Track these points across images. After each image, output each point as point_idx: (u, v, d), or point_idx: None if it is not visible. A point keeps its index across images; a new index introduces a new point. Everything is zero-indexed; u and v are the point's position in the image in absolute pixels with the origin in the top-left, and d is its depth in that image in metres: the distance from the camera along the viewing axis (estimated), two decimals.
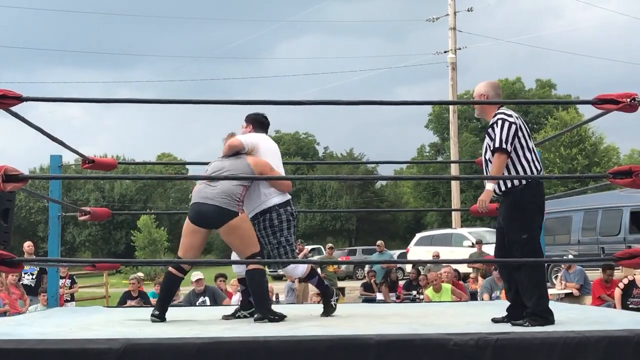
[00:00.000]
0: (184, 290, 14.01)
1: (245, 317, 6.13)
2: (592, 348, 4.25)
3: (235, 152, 6.04)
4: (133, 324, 5.58)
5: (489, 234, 24.72)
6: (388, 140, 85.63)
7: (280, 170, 6.20)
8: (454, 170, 29.71)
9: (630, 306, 10.53)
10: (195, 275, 11.25)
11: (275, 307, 6.06)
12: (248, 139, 6.09)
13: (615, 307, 10.90)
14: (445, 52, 29.08)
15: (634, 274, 11.23)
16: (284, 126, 66.30)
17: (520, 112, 48.49)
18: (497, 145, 5.12)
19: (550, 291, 12.60)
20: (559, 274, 15.41)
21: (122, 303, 12.58)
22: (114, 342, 4.15)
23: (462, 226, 28.00)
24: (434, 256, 19.24)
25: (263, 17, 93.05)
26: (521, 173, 5.16)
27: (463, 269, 18.15)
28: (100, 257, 47.54)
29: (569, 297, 13.75)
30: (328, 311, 6.18)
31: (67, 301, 12.81)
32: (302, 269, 6.26)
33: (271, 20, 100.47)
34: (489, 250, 19.75)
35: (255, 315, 5.77)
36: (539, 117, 47.65)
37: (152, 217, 45.38)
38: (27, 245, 12.71)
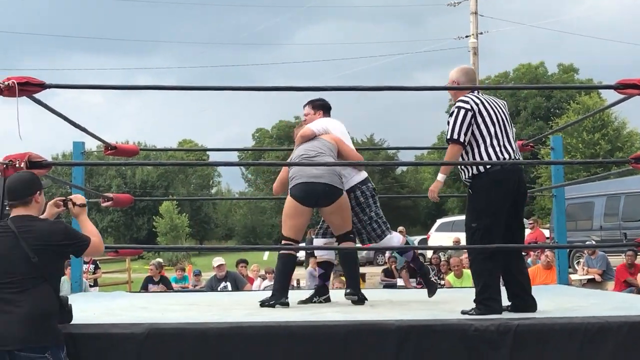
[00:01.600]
0: (206, 276, 14.10)
1: (320, 302, 6.17)
2: (613, 334, 4.25)
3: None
4: (156, 309, 5.63)
5: None
6: (409, 126, 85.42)
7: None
8: None
9: None
10: (217, 260, 11.31)
11: (296, 293, 6.11)
12: (318, 125, 6.26)
13: (638, 292, 10.85)
14: (466, 36, 28.91)
15: None
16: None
17: (543, 97, 48.22)
18: (448, 136, 5.04)
19: (572, 277, 12.59)
20: (582, 260, 15.35)
21: (143, 288, 12.69)
22: (138, 327, 4.21)
23: None
24: (454, 242, 19.23)
25: (282, 3, 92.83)
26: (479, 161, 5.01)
27: None
28: (123, 243, 47.77)
29: (591, 283, 13.70)
30: (432, 289, 6.21)
31: (90, 286, 12.92)
32: (397, 240, 6.36)
33: (290, 6, 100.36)
34: None
35: (349, 290, 5.88)
36: (561, 101, 47.12)
37: (173, 203, 45.55)
38: None
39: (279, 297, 5.82)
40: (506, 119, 5.13)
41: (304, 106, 6.56)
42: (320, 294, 6.27)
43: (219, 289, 10.83)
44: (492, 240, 4.90)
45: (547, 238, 17.33)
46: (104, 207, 8.00)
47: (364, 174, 6.28)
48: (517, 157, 5.11)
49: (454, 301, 6.01)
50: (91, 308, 5.71)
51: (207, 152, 51.58)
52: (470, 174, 5.04)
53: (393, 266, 15.82)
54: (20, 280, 3.82)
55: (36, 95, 4.80)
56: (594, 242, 17.48)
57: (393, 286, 14.19)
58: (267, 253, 36.58)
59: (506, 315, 4.65)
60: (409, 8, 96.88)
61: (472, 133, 5.00)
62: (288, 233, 5.97)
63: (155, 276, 12.82)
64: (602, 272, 14.02)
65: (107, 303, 6.29)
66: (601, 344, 4.24)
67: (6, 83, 4.48)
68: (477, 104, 5.02)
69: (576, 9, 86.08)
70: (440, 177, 5.16)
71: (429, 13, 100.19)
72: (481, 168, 4.97)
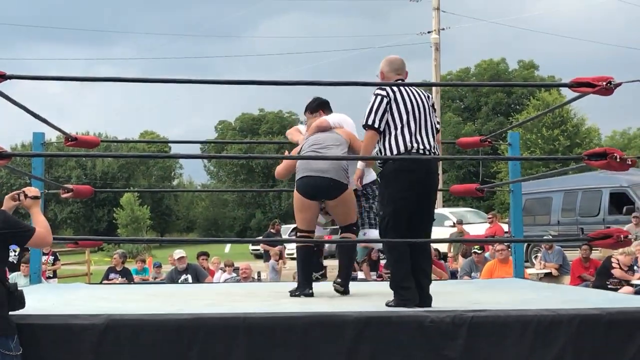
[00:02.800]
0: (166, 268, 14.07)
1: (317, 279, 6.36)
2: (564, 326, 4.36)
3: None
4: (115, 300, 5.64)
5: (470, 214, 24.86)
6: None
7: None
8: None
9: (609, 286, 10.67)
10: (178, 253, 11.29)
11: (257, 286, 6.16)
12: (334, 119, 6.34)
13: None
14: (428, 32, 29.05)
15: (612, 254, 11.37)
16: (268, 105, 66.21)
17: (504, 93, 48.67)
18: (363, 122, 5.09)
19: (529, 271, 12.75)
20: (539, 254, 15.57)
21: (105, 277, 12.69)
22: (97, 318, 4.22)
23: (443, 206, 28.15)
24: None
25: None
26: (388, 150, 5.03)
27: (443, 248, 18.29)
28: (82, 234, 47.33)
29: (548, 277, 13.90)
30: None
31: (49, 278, 12.84)
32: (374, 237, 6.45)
33: None
34: (470, 229, 19.88)
35: (340, 288, 5.96)
36: (521, 97, 47.62)
37: (134, 195, 45.24)
38: None
39: (302, 289, 5.97)
40: (425, 110, 5.12)
41: (304, 112, 6.60)
42: (316, 270, 6.42)
43: (179, 281, 10.82)
44: (397, 229, 4.95)
45: (506, 232, 17.54)
46: (64, 199, 7.95)
47: (374, 175, 6.33)
48: (429, 148, 5.08)
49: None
50: (50, 299, 5.70)
51: (169, 144, 51.51)
52: (380, 162, 5.09)
53: None
54: None
55: None
56: (551, 237, 17.72)
57: (354, 279, 14.22)
58: (228, 245, 36.44)
59: (462, 307, 4.73)
60: (371, 3, 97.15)
61: (386, 120, 5.03)
62: (301, 225, 6.13)
63: (118, 266, 12.82)
64: (559, 267, 14.24)
65: (66, 294, 6.29)
66: (553, 335, 4.34)
67: None
68: (393, 92, 5.05)
69: (537, 7, 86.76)
70: (360, 164, 5.32)
71: (392, 8, 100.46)
72: (389, 155, 5.02)
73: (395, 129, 5.02)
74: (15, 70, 4.78)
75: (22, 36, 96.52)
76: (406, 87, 5.13)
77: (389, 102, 5.02)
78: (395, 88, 5.08)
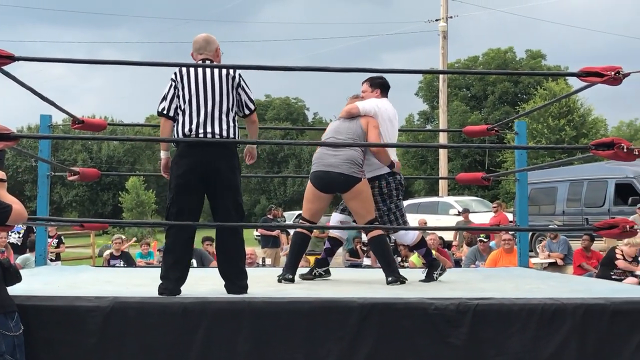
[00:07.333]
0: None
1: (320, 275, 6.27)
2: (569, 315, 4.36)
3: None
4: (120, 283, 5.66)
5: (475, 203, 24.84)
6: None
7: (391, 138, 6.32)
8: (443, 138, 29.70)
9: (613, 277, 10.67)
10: None
11: (262, 271, 6.16)
12: (369, 106, 6.23)
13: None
14: (436, 20, 28.95)
15: (617, 245, 11.38)
16: (274, 91, 66.15)
17: (511, 82, 48.55)
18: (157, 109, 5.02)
19: (533, 260, 12.79)
20: (543, 243, 15.57)
21: (107, 265, 12.72)
22: (102, 300, 4.23)
23: (449, 195, 28.12)
24: (420, 223, 19.36)
25: None
26: (176, 136, 4.96)
27: (448, 236, 18.29)
28: (87, 217, 47.47)
29: (552, 267, 13.92)
30: (428, 281, 6.19)
31: (51, 260, 12.86)
32: (412, 236, 6.39)
33: None
34: (475, 218, 19.87)
35: (390, 279, 5.82)
36: (528, 87, 47.49)
37: (140, 179, 45.33)
38: None
39: (284, 273, 5.99)
40: (213, 90, 4.92)
41: (363, 83, 6.52)
42: (321, 266, 6.37)
43: None
44: (175, 215, 4.92)
45: (510, 222, 17.55)
46: (69, 182, 7.97)
47: (381, 168, 6.22)
48: (211, 131, 4.90)
49: (417, 281, 6.12)
50: (55, 281, 5.72)
51: None
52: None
53: (358, 246, 15.90)
54: None
55: (4, 68, 4.76)
56: (556, 227, 17.69)
57: (358, 266, 14.28)
58: None
59: (466, 294, 4.73)
60: None
61: (175, 106, 4.96)
62: (305, 215, 6.19)
63: (117, 251, 12.82)
64: (564, 257, 14.25)
65: (71, 277, 6.30)
66: (557, 324, 4.34)
67: None
68: (181, 75, 4.93)
69: None
70: (163, 154, 5.19)
71: None
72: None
73: (181, 113, 4.93)
74: (16, 53, 4.71)
75: (22, 18, 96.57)
76: (204, 69, 4.95)
77: (175, 87, 4.94)
78: (185, 70, 4.94)
